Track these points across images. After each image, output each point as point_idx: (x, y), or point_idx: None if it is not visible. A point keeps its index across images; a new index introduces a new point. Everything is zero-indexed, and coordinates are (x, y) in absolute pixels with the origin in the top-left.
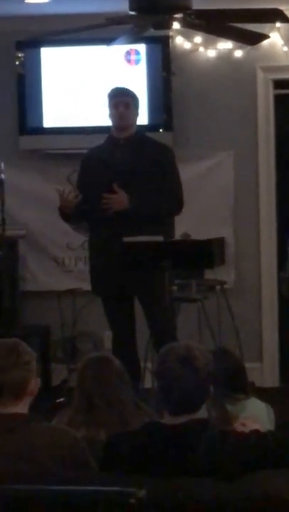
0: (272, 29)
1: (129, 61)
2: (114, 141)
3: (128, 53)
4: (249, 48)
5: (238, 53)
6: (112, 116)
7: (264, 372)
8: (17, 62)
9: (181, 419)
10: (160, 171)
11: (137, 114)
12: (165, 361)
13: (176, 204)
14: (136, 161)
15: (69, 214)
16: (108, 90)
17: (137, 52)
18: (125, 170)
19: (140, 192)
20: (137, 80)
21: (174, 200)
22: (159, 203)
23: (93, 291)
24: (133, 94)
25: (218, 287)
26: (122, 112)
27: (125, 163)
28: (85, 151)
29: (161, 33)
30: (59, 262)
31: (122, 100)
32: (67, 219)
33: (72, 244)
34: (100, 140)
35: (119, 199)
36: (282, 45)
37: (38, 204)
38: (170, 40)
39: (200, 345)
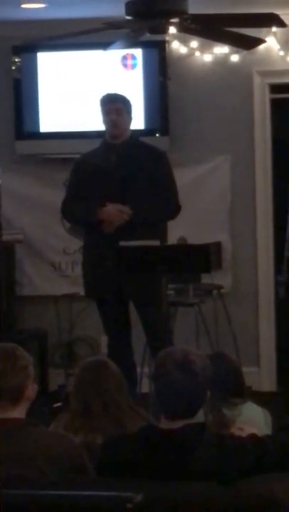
0: (269, 33)
1: (125, 66)
2: (109, 146)
3: (124, 58)
4: (245, 52)
5: (235, 58)
6: (104, 123)
7: (261, 377)
8: (13, 67)
9: (178, 424)
10: (156, 176)
11: (130, 119)
12: (162, 365)
13: (174, 208)
14: (131, 166)
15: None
16: (102, 95)
17: (134, 57)
18: (121, 176)
19: (137, 197)
20: (133, 84)
21: (171, 205)
22: (157, 208)
23: (87, 295)
24: (124, 100)
25: (215, 292)
26: (114, 120)
27: (121, 169)
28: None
29: (157, 37)
30: (56, 266)
31: (113, 107)
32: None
33: (68, 249)
34: (97, 145)
35: (117, 212)
36: (279, 50)
37: (34, 209)
38: (166, 45)
39: (197, 350)
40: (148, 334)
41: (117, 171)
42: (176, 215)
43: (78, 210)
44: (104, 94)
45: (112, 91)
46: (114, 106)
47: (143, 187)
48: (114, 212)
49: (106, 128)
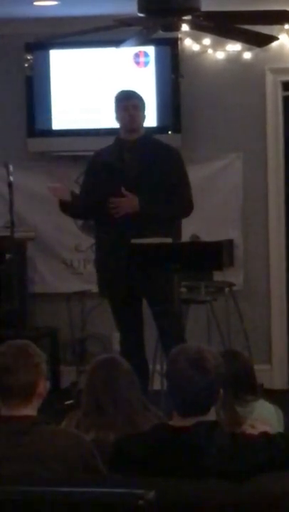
0: (281, 31)
1: (138, 63)
2: (123, 143)
3: (137, 55)
4: (258, 49)
5: (247, 55)
6: (121, 119)
7: (273, 374)
8: (26, 65)
9: (191, 421)
10: (169, 174)
11: (144, 117)
12: (175, 362)
13: (187, 206)
14: (145, 163)
15: (67, 202)
16: (117, 92)
17: (146, 54)
18: (135, 173)
19: (150, 194)
20: (145, 82)
21: (184, 202)
22: (169, 205)
23: (100, 292)
24: (140, 97)
25: (226, 289)
26: (132, 114)
27: (134, 167)
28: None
29: (169, 35)
30: (68, 264)
31: (130, 103)
32: (65, 209)
33: (80, 247)
34: (109, 142)
35: (128, 202)
36: None
37: (46, 206)
38: (179, 42)
39: (211, 347)
40: (160, 331)
41: (131, 168)
42: (189, 212)
43: (88, 201)
44: (119, 91)
45: (125, 88)
46: (131, 102)
47: (156, 184)
48: (123, 200)
49: (121, 124)
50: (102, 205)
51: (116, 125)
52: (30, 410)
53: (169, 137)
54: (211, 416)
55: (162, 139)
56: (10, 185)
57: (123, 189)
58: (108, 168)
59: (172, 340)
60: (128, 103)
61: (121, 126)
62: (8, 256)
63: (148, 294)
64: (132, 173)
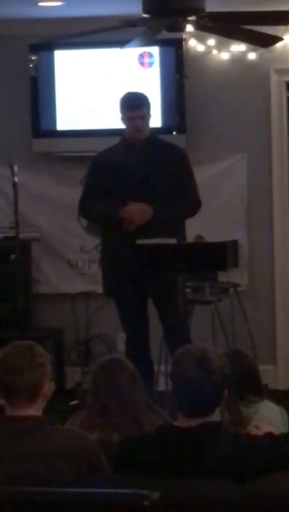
0: (286, 31)
1: (142, 64)
2: (129, 144)
3: (141, 56)
4: (262, 50)
5: (252, 56)
6: (127, 126)
7: (278, 375)
8: (30, 65)
9: (195, 422)
10: (176, 173)
11: (150, 117)
12: (180, 363)
13: (196, 205)
14: (152, 164)
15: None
16: (121, 93)
17: (151, 55)
18: (142, 174)
19: (158, 196)
20: (150, 82)
21: (193, 202)
22: (178, 206)
23: (106, 293)
24: (147, 102)
25: (231, 290)
26: (139, 126)
27: (142, 168)
28: None
29: (174, 35)
30: (72, 264)
31: (138, 114)
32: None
33: (85, 247)
34: (113, 143)
35: (139, 212)
36: None
37: (51, 207)
38: (183, 43)
39: (215, 348)
40: (166, 331)
41: (139, 169)
42: (197, 211)
43: (98, 208)
44: (126, 95)
45: (130, 89)
46: (139, 113)
47: (164, 185)
48: (136, 211)
49: (128, 130)
50: (115, 217)
51: (120, 126)
52: (34, 411)
53: (174, 138)
54: (216, 417)
55: (167, 139)
56: (15, 185)
57: (128, 202)
58: (116, 170)
59: (178, 340)
60: (135, 114)
61: (127, 132)
62: (12, 256)
63: (155, 294)
64: (139, 174)
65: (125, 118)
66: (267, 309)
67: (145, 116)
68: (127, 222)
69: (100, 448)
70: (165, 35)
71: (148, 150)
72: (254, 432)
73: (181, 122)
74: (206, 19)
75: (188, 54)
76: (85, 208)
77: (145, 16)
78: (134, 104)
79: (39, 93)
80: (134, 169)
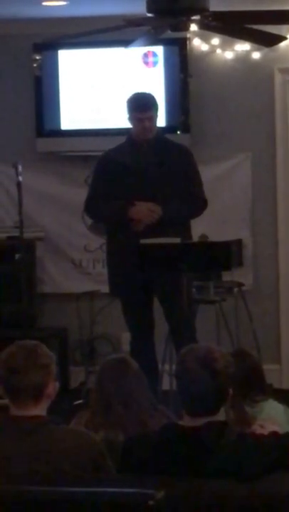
0: None
1: (146, 63)
2: (136, 144)
3: (146, 55)
4: (266, 49)
5: (256, 55)
6: (134, 127)
7: (282, 374)
8: (35, 65)
9: (200, 421)
10: (183, 172)
11: (157, 117)
12: (185, 362)
13: (202, 204)
14: (159, 164)
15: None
16: (125, 92)
17: (155, 54)
18: (150, 174)
19: (166, 195)
20: (154, 82)
21: (200, 202)
22: (186, 205)
23: (112, 292)
24: (155, 103)
25: (236, 289)
26: (148, 127)
27: (149, 167)
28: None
29: (178, 35)
30: (77, 264)
31: (146, 116)
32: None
33: (89, 247)
34: (118, 142)
35: (148, 211)
36: None
37: (55, 206)
38: (187, 42)
39: (220, 347)
40: (172, 330)
41: (146, 169)
42: (203, 210)
43: (106, 208)
44: (134, 96)
45: (134, 88)
46: (146, 115)
47: (171, 184)
48: (145, 211)
49: (135, 130)
50: (123, 218)
51: (125, 125)
52: (39, 411)
53: (178, 137)
54: (221, 416)
55: (171, 138)
56: (19, 185)
57: (136, 202)
58: (123, 170)
59: (184, 339)
60: (143, 116)
61: (134, 132)
62: (17, 256)
63: (161, 293)
64: (146, 173)
65: (133, 119)
66: (271, 309)
67: (152, 119)
68: (136, 222)
69: (104, 447)
70: (169, 34)
71: (156, 150)
72: (259, 431)
73: (185, 121)
74: (210, 18)
75: (192, 53)
76: (92, 208)
77: (149, 15)
78: (142, 106)
79: (43, 92)
80: (142, 169)
